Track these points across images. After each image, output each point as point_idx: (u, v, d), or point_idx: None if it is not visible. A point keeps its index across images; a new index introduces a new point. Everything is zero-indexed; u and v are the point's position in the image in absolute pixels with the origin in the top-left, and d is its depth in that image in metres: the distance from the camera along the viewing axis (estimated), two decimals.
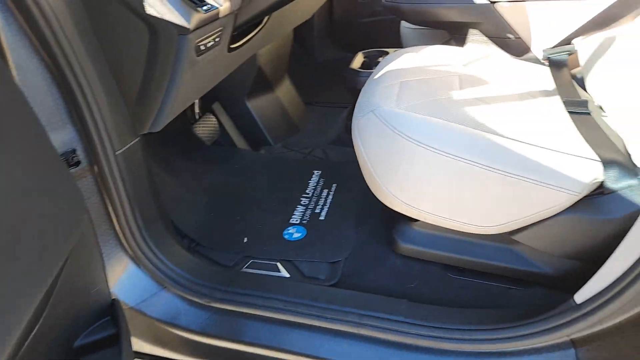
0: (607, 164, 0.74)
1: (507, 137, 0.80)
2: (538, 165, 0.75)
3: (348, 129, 1.46)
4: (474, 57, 1.11)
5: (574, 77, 1.05)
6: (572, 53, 1.07)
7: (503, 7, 1.14)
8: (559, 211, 0.76)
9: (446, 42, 1.32)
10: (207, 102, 1.48)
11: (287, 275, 1.00)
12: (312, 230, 1.12)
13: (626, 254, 0.65)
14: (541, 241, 0.82)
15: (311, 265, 1.01)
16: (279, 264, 1.03)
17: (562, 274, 0.83)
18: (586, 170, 0.74)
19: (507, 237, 0.85)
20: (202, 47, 0.81)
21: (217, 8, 0.77)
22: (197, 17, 0.74)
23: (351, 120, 0.93)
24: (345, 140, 1.48)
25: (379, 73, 1.02)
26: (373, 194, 0.92)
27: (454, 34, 1.26)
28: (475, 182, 0.78)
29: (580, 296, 0.72)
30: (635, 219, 0.70)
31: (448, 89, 0.95)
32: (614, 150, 0.78)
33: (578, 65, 1.11)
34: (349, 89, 1.40)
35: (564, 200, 0.74)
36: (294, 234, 1.12)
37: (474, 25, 1.19)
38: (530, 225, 0.80)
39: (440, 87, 0.95)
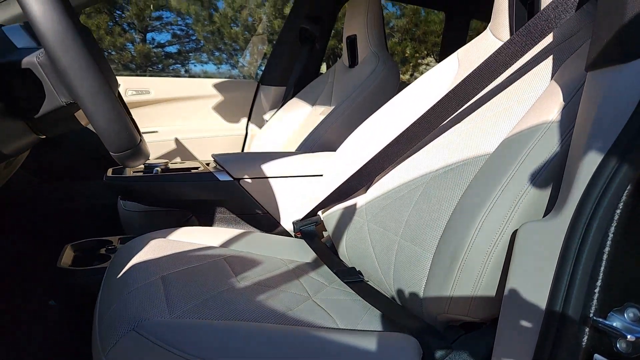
0: (417, 335, 0.69)
1: (318, 327, 0.65)
2: (371, 354, 0.61)
3: None
4: (229, 236, 0.97)
5: (324, 245, 1.07)
6: (318, 223, 1.10)
7: (247, 183, 1.10)
8: None
9: (187, 222, 1.15)
10: None
11: None
12: None
13: None
14: None
15: None
16: None
17: None
18: (410, 347, 0.65)
19: None
20: None
21: None
22: None
23: None
24: None
25: (124, 269, 0.71)
26: None
27: (197, 212, 1.11)
28: None
29: None
30: None
31: (224, 278, 0.74)
32: (410, 315, 0.75)
33: (323, 236, 1.14)
34: (60, 298, 0.96)
35: None
36: None
37: (219, 203, 1.09)
38: None
39: (214, 277, 0.74)
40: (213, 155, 1.18)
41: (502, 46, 0.75)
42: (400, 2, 2.17)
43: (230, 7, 7.26)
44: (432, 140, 0.93)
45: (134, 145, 0.58)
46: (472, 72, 0.79)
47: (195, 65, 10.68)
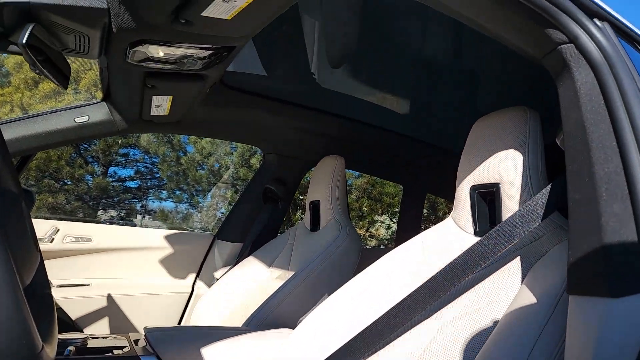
0: None
1: None
2: None
3: None
4: None
5: None
6: None
7: None
8: None
9: None
10: None
11: None
12: None
13: None
14: None
15: None
16: None
17: None
18: None
19: None
20: None
21: None
22: None
23: None
24: None
25: None
26: None
27: None
28: None
29: None
30: None
31: None
32: None
33: None
34: None
35: None
36: None
37: None
38: None
39: None
40: (145, 330, 1.01)
41: (472, 247, 0.73)
42: (363, 172, 2.30)
43: (199, 152, 7.61)
44: (399, 337, 0.83)
45: (30, 356, 0.44)
46: (443, 269, 0.75)
47: (153, 202, 10.63)
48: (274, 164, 1.87)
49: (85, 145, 9.31)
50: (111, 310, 1.62)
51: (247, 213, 1.91)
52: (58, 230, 1.61)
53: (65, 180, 9.24)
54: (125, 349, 0.92)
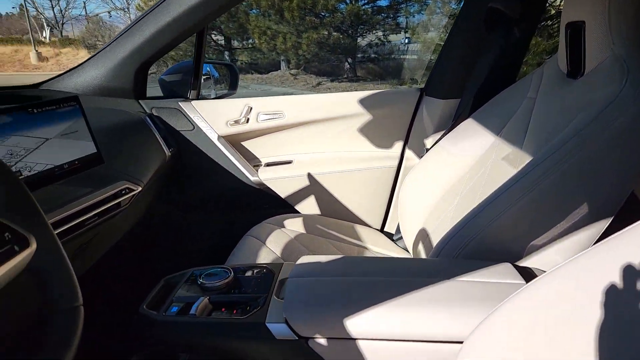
0: None
1: None
2: None
3: None
4: None
5: None
6: None
7: (321, 347, 0.66)
8: None
9: None
10: None
11: None
12: None
13: None
14: None
15: None
16: None
17: None
18: None
19: None
20: None
21: None
22: None
23: None
24: None
25: None
26: None
27: None
28: None
29: None
30: None
31: None
32: None
33: None
34: None
35: None
36: None
37: None
38: None
39: None
40: (290, 275, 0.76)
41: None
42: None
43: None
44: None
45: None
46: None
47: (406, 18, 10.14)
48: None
49: None
50: (315, 189, 1.49)
51: (463, 53, 1.28)
52: (251, 108, 1.50)
53: (322, 14, 9.71)
54: (254, 310, 0.71)
